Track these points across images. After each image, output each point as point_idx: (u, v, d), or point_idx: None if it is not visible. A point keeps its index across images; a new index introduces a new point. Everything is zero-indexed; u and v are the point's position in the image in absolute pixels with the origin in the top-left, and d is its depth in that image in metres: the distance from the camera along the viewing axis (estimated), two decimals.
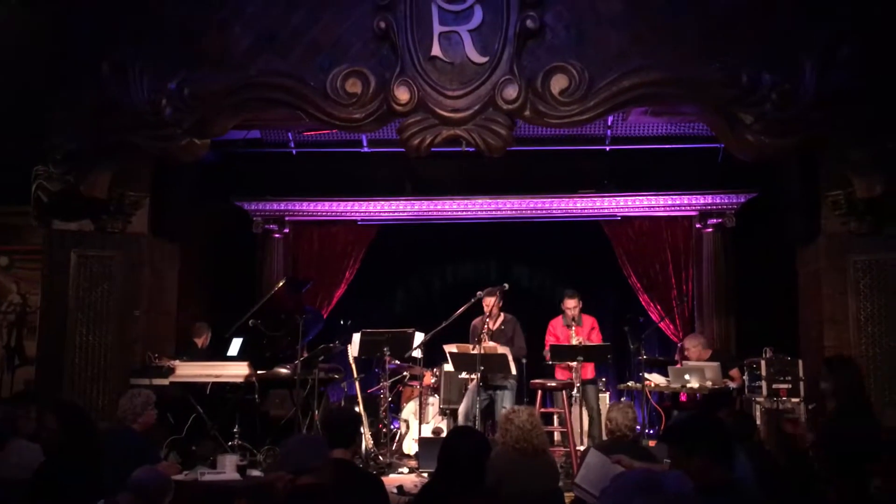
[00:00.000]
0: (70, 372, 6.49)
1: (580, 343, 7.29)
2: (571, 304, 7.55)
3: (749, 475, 3.67)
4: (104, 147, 6.27)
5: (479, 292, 7.27)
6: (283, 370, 7.36)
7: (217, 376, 6.89)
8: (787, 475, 4.70)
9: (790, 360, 6.86)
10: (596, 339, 7.52)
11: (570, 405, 7.16)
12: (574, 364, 7.13)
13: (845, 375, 4.96)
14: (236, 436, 6.78)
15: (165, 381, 6.70)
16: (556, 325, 7.72)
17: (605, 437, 5.63)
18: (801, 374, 6.79)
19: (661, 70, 5.74)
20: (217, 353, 7.90)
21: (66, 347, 6.50)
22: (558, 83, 5.73)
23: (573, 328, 7.48)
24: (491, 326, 7.27)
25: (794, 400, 6.74)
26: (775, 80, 5.57)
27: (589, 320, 7.68)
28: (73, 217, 6.63)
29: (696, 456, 2.91)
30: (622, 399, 7.66)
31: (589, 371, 7.35)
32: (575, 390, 7.10)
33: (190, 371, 6.92)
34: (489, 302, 7.30)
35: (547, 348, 7.50)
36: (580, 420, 7.42)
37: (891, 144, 5.70)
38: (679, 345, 8.91)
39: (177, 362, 6.95)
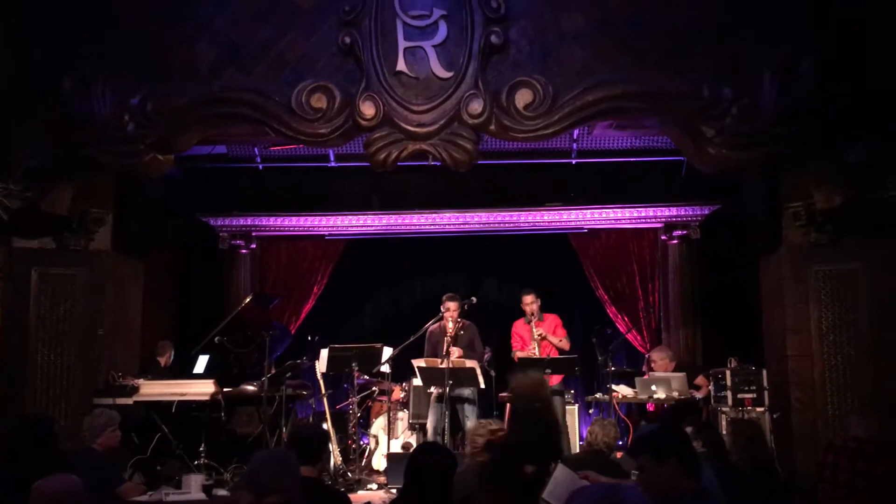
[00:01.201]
0: (32, 392, 6.38)
1: (541, 336, 7.56)
2: (528, 300, 7.73)
3: (716, 488, 3.70)
4: (66, 163, 6.18)
5: (443, 296, 7.32)
6: (250, 387, 7.28)
7: (182, 394, 6.80)
8: (753, 485, 4.74)
9: (755, 370, 6.93)
10: (561, 334, 7.75)
11: None
12: None
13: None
14: (202, 455, 6.66)
15: (129, 401, 6.61)
16: (517, 325, 7.89)
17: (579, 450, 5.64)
18: (765, 383, 6.86)
19: (624, 84, 5.81)
20: (183, 370, 7.81)
21: (28, 367, 6.39)
22: (523, 98, 5.76)
23: (532, 323, 7.66)
24: (450, 332, 7.27)
25: (758, 409, 6.82)
26: (736, 95, 5.66)
27: (552, 317, 7.81)
28: (33, 234, 6.53)
29: (666, 465, 2.91)
30: (590, 411, 7.70)
31: (554, 378, 7.38)
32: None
33: (155, 390, 6.83)
34: (451, 307, 7.31)
35: (514, 349, 7.72)
36: None
37: (849, 157, 5.82)
38: (647, 356, 8.98)
39: (141, 381, 6.85)
